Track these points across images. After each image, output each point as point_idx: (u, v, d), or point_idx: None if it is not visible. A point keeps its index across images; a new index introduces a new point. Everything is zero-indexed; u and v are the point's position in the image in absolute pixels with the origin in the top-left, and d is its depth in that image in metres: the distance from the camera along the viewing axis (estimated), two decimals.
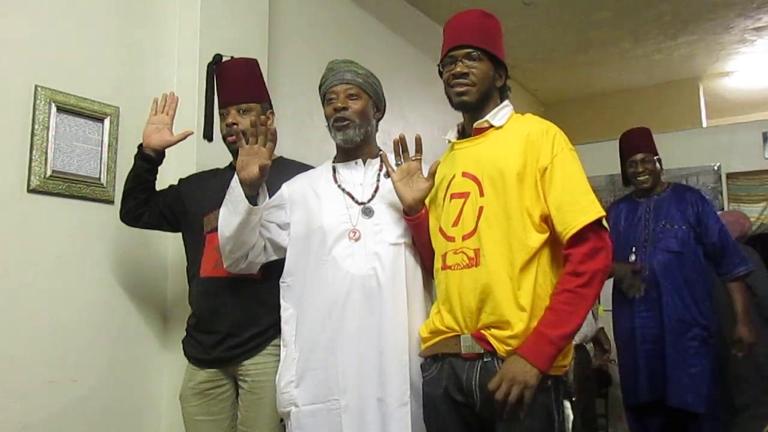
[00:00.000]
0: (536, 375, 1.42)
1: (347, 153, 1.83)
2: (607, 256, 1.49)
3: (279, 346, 1.82)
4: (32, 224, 1.94)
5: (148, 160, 1.93)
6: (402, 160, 1.73)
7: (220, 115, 1.98)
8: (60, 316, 1.97)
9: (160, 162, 1.96)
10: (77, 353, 2.01)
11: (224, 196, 1.87)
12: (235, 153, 1.95)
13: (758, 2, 4.23)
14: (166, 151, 1.96)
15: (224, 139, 1.96)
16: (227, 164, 2.04)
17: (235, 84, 1.96)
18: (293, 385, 1.70)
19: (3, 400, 1.81)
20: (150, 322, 2.23)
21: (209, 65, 2.02)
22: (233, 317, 1.85)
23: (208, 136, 2.03)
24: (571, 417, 1.50)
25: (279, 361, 1.80)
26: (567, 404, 1.47)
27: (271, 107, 2.03)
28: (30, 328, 1.90)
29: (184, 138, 1.96)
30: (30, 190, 1.93)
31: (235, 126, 1.90)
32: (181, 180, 2.08)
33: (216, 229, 1.86)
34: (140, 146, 1.94)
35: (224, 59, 2.01)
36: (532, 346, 1.43)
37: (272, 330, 1.84)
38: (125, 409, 2.13)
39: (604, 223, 1.50)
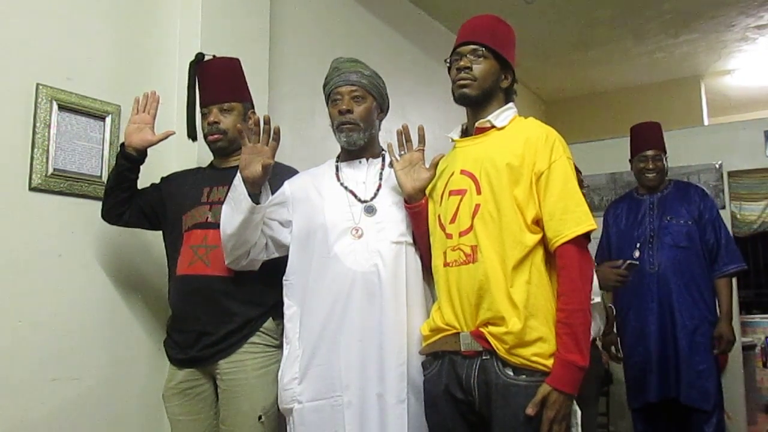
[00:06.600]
0: (571, 400, 1.46)
1: (350, 153, 1.84)
2: (592, 265, 1.59)
3: (256, 343, 1.84)
4: (34, 222, 1.94)
5: (130, 159, 1.93)
6: (405, 150, 1.75)
7: (202, 114, 1.99)
8: (61, 314, 1.97)
9: (142, 161, 1.97)
10: (78, 351, 2.01)
11: (203, 195, 1.89)
12: (216, 152, 1.98)
13: (760, 0, 4.23)
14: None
15: (206, 138, 1.97)
16: (209, 163, 2.06)
17: (217, 83, 1.97)
18: (296, 381, 1.71)
19: (4, 398, 1.81)
20: (151, 320, 2.23)
21: (191, 64, 2.03)
22: (207, 315, 1.85)
23: (192, 135, 2.04)
24: (579, 413, 1.51)
25: (256, 358, 1.82)
26: (574, 401, 1.48)
27: (253, 107, 2.03)
28: (31, 325, 1.90)
29: (166, 138, 1.97)
30: (31, 189, 1.93)
31: (216, 125, 1.92)
32: (162, 179, 2.09)
33: (193, 227, 1.90)
34: (122, 145, 1.95)
35: (206, 58, 2.02)
36: (566, 377, 1.45)
37: (247, 328, 1.85)
38: (126, 407, 2.13)
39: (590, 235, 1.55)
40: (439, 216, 1.67)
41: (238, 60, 2.05)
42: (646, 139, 2.99)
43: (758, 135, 4.41)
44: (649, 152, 2.95)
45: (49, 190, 1.97)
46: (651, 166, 2.95)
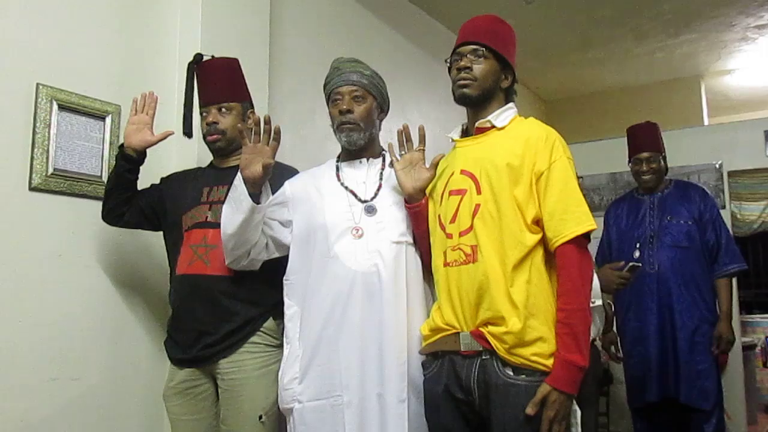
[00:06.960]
0: (571, 400, 1.46)
1: (351, 153, 1.84)
2: (592, 265, 1.58)
3: (257, 343, 1.84)
4: (34, 222, 1.94)
5: (129, 160, 1.94)
6: (405, 150, 1.76)
7: (201, 114, 2.00)
8: (61, 314, 1.97)
9: (142, 162, 1.97)
10: (78, 351, 2.01)
11: (203, 195, 1.89)
12: (215, 152, 1.99)
13: (760, 0, 4.22)
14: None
15: (205, 138, 1.98)
16: (208, 163, 2.07)
17: (216, 83, 1.97)
18: (297, 381, 1.71)
19: (4, 398, 1.81)
20: (151, 320, 2.23)
21: (190, 64, 2.04)
22: (207, 314, 1.85)
23: (187, 132, 2.06)
24: (579, 412, 1.52)
25: (256, 358, 1.82)
26: (573, 400, 1.48)
27: (252, 107, 2.04)
28: (31, 325, 1.90)
29: (165, 138, 1.98)
30: (32, 189, 1.93)
31: (215, 125, 1.93)
32: (162, 179, 2.09)
33: (193, 227, 1.90)
34: (121, 146, 1.96)
35: (205, 58, 2.02)
36: (566, 377, 1.45)
37: (248, 328, 1.85)
38: (126, 408, 2.13)
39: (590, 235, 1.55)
40: (439, 216, 1.68)
41: (236, 60, 2.05)
42: (641, 140, 2.99)
43: (758, 135, 4.41)
44: (644, 154, 2.95)
45: (49, 190, 1.97)
46: (645, 168, 2.95)
